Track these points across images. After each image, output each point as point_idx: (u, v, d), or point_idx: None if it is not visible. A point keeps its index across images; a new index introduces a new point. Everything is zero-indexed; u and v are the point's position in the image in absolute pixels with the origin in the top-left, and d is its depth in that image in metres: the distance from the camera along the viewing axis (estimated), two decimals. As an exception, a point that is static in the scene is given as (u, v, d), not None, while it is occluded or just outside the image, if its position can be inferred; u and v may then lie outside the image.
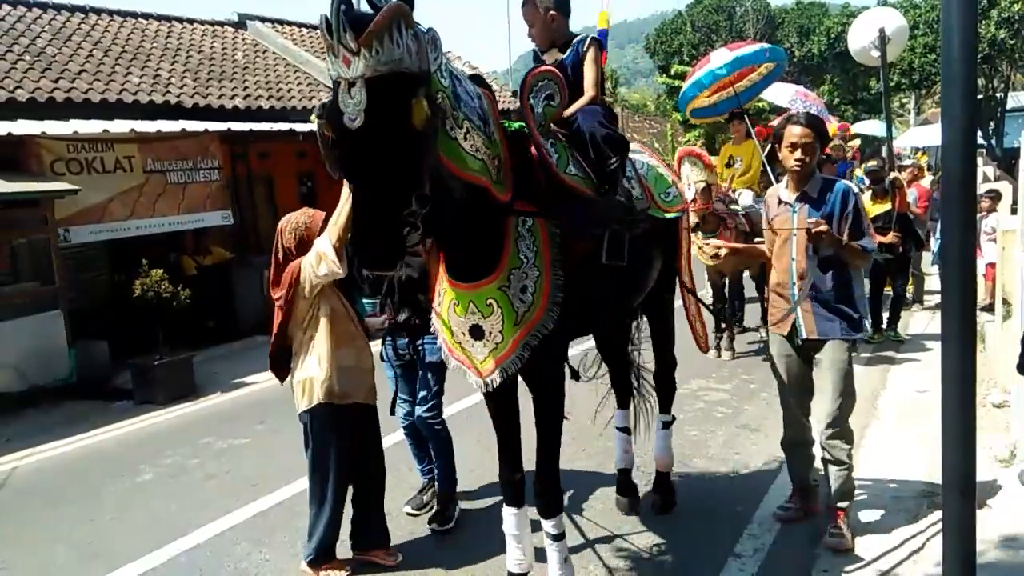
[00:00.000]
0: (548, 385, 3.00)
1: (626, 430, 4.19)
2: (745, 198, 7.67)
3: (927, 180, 10.69)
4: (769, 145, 8.30)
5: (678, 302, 4.18)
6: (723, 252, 3.85)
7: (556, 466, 3.09)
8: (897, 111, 32.89)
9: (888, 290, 8.06)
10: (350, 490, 3.65)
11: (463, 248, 2.76)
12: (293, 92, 12.38)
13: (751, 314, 8.66)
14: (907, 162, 11.41)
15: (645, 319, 4.24)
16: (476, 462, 4.58)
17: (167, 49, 12.05)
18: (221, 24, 14.58)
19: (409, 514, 4.23)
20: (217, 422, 6.45)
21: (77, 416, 6.90)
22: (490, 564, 3.64)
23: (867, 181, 7.90)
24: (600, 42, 3.34)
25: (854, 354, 3.71)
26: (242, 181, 11.00)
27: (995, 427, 4.96)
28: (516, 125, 2.87)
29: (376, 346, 3.77)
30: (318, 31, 2.24)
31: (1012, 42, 22.97)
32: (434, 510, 4.13)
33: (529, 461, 3.13)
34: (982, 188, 9.10)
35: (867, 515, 3.92)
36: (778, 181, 7.76)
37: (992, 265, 7.84)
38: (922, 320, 8.71)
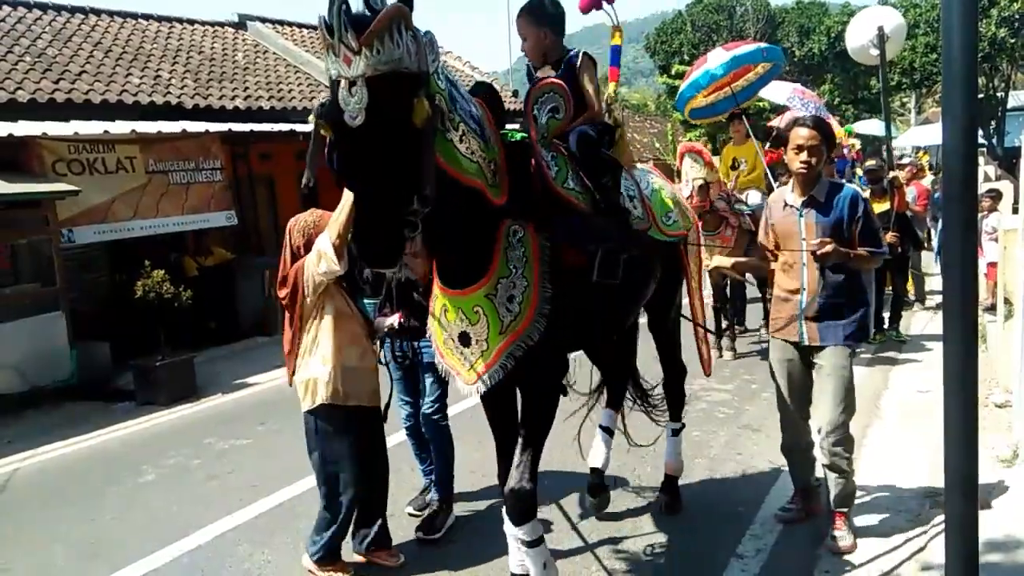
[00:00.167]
0: (535, 395, 2.95)
1: (609, 431, 4.12)
2: (753, 197, 7.67)
3: (927, 179, 10.69)
4: (767, 144, 8.33)
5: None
6: (711, 267, 3.82)
7: (534, 475, 2.92)
8: (898, 110, 32.89)
9: (889, 290, 8.06)
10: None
11: (453, 253, 2.76)
12: (294, 93, 12.39)
13: (752, 314, 8.66)
14: (906, 160, 11.41)
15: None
16: (477, 464, 4.58)
17: (167, 50, 12.06)
18: (221, 25, 14.60)
19: (411, 515, 4.23)
20: (219, 423, 6.45)
21: (78, 417, 6.90)
22: (492, 566, 3.64)
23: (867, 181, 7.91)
24: (592, 58, 3.34)
25: (857, 352, 3.70)
26: (243, 182, 11.01)
27: (997, 427, 4.96)
28: (518, 136, 2.87)
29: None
30: (318, 31, 2.24)
31: (1012, 41, 22.97)
32: (424, 516, 4.10)
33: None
34: (983, 187, 9.09)
35: (869, 516, 3.91)
36: (777, 184, 7.78)
37: (993, 265, 7.84)
38: (923, 320, 8.71)
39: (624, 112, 23.85)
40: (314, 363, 3.45)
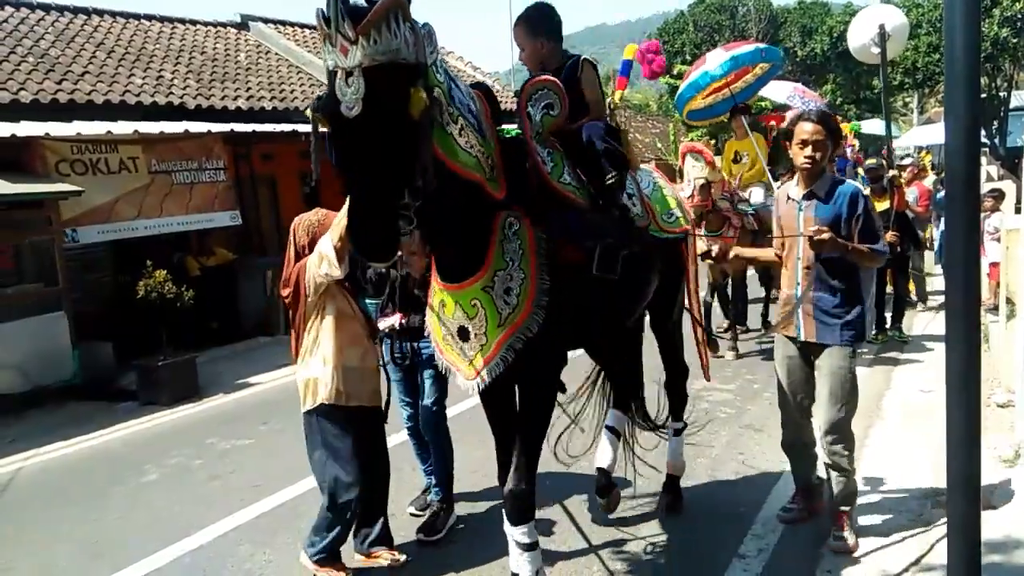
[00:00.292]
0: (533, 389, 2.96)
1: (615, 432, 4.10)
2: (756, 196, 7.67)
3: (929, 179, 10.67)
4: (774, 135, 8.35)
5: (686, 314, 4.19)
6: (731, 255, 3.83)
7: (533, 472, 2.95)
8: (900, 110, 32.88)
9: (890, 290, 8.05)
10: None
11: (450, 246, 2.76)
12: (296, 93, 12.39)
13: (753, 314, 8.65)
14: (908, 160, 11.40)
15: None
16: (478, 464, 4.58)
17: (170, 50, 12.07)
18: (224, 25, 14.60)
19: (413, 515, 4.23)
20: (221, 423, 6.46)
21: (81, 417, 6.91)
22: (493, 566, 3.64)
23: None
24: (593, 64, 3.34)
25: (859, 352, 3.69)
26: (245, 182, 11.01)
27: (999, 427, 4.95)
28: (513, 132, 2.87)
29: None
30: (319, 30, 2.24)
31: (1015, 41, 22.94)
32: (425, 517, 4.10)
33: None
34: (985, 187, 9.08)
35: (871, 516, 3.91)
36: (776, 180, 7.78)
37: (996, 264, 7.82)
38: (925, 320, 8.69)
39: (627, 113, 23.82)
40: (315, 363, 3.45)
